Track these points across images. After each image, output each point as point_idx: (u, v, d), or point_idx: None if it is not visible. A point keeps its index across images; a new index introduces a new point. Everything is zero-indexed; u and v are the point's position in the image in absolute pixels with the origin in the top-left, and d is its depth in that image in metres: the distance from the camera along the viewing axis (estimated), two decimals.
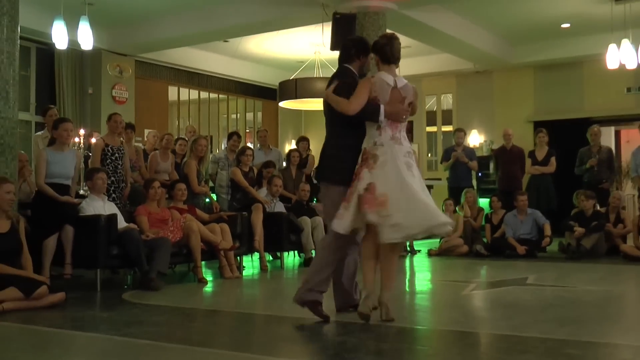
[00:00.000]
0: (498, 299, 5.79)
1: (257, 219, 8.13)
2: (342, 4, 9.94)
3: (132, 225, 6.75)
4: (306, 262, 8.61)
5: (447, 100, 15.74)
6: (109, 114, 8.07)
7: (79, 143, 8.37)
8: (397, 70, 4.82)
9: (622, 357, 3.75)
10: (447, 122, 15.52)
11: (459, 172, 10.91)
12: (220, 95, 15.67)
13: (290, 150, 10.39)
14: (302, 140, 10.57)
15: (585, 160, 10.16)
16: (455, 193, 10.66)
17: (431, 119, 15.74)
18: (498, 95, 14.84)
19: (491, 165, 12.36)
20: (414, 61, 13.46)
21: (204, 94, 15.30)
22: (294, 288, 7.22)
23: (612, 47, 10.82)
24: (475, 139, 14.82)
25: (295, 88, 11.64)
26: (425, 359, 3.81)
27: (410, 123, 4.91)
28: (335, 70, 4.98)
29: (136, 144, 9.31)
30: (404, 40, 12.10)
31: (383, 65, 4.72)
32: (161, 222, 7.12)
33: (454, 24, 11.92)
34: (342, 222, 4.46)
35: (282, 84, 12.22)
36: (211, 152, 12.99)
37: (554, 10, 11.71)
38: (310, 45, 13.15)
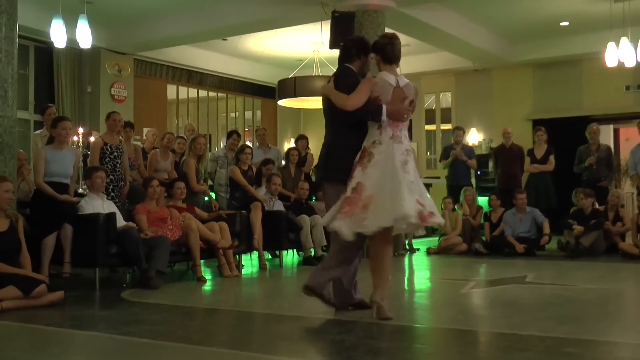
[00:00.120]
0: (497, 297, 5.79)
1: (256, 218, 8.13)
2: (341, 2, 9.94)
3: (131, 223, 6.74)
4: (305, 261, 8.61)
5: (446, 99, 15.75)
6: (108, 113, 8.05)
7: (78, 142, 8.36)
8: (397, 70, 4.82)
9: (621, 355, 3.76)
10: (446, 120, 15.53)
11: (458, 171, 10.92)
12: (219, 94, 15.67)
13: (289, 149, 10.39)
14: (301, 139, 10.56)
15: (584, 159, 10.17)
16: (454, 191, 10.66)
17: (430, 117, 15.75)
18: (497, 93, 14.85)
19: (490, 164, 12.37)
20: (413, 59, 13.45)
21: (202, 93, 15.30)
22: (293, 286, 7.27)
23: (611, 45, 10.82)
24: (474, 137, 14.83)
25: (294, 86, 11.64)
26: (424, 357, 3.81)
27: (410, 121, 4.93)
28: (335, 70, 4.98)
29: (135, 142, 9.31)
30: (402, 38, 12.08)
31: (384, 65, 4.73)
32: (160, 221, 7.12)
33: (453, 22, 11.92)
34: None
35: (281, 82, 12.23)
36: (210, 150, 12.98)
37: (553, 8, 11.71)
38: (309, 44, 13.15)
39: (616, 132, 14.74)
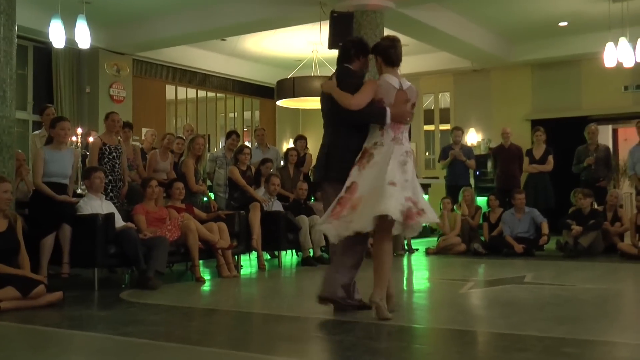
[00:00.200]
0: (496, 298, 5.80)
1: (255, 218, 8.13)
2: (339, 3, 9.94)
3: (129, 224, 6.74)
4: (304, 261, 8.61)
5: (445, 99, 15.76)
6: (107, 113, 8.04)
7: (77, 142, 8.37)
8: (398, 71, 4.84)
9: (619, 355, 3.76)
10: (444, 120, 15.54)
11: (457, 171, 10.92)
12: (217, 94, 15.67)
13: (288, 149, 10.39)
14: (300, 139, 10.56)
15: (583, 159, 10.17)
16: (453, 191, 10.67)
17: (429, 117, 15.75)
18: (496, 93, 14.86)
19: (489, 164, 12.37)
20: (412, 59, 13.42)
21: (201, 93, 15.30)
22: (292, 287, 7.28)
23: (609, 45, 10.84)
24: (472, 137, 14.83)
25: (293, 87, 11.64)
26: (423, 357, 3.81)
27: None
28: (334, 70, 4.96)
29: (134, 142, 9.30)
30: (401, 38, 12.15)
31: (387, 68, 4.75)
32: (159, 221, 7.11)
33: (452, 23, 11.93)
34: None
35: (279, 82, 12.23)
36: (209, 151, 12.98)
37: (551, 8, 11.72)
38: (308, 44, 13.15)
39: (615, 132, 14.75)
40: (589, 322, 4.57)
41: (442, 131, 15.47)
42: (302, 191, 9.15)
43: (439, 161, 11.50)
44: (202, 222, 7.33)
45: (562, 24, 12.63)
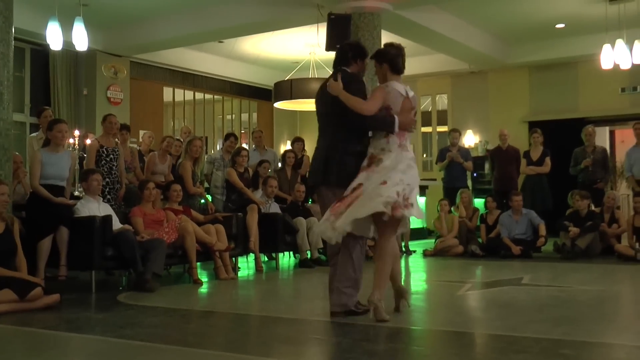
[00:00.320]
0: (493, 299, 5.80)
1: (252, 220, 8.12)
2: (337, 5, 9.95)
3: (127, 226, 6.73)
4: (301, 263, 8.61)
5: (442, 101, 15.77)
6: (104, 115, 8.06)
7: (74, 144, 8.35)
8: None
9: (616, 356, 3.76)
10: (442, 122, 15.55)
11: (454, 173, 10.92)
12: (215, 96, 15.67)
13: (286, 151, 10.39)
14: (298, 141, 10.56)
15: (580, 161, 10.19)
16: (450, 193, 10.68)
17: (426, 119, 15.76)
18: (493, 95, 14.88)
19: (486, 166, 12.38)
20: (409, 61, 13.11)
21: (199, 95, 15.29)
22: (290, 289, 7.27)
23: (606, 47, 10.86)
24: (470, 139, 14.84)
25: (290, 89, 11.64)
26: (421, 359, 3.81)
27: None
28: (332, 72, 4.94)
29: (131, 145, 9.30)
30: (398, 40, 12.15)
31: (392, 75, 4.78)
32: (156, 223, 7.11)
33: (449, 25, 11.94)
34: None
35: (277, 84, 12.23)
36: (206, 153, 12.97)
37: (548, 10, 11.74)
38: (305, 46, 13.15)
39: (612, 134, 14.77)
40: (586, 323, 4.57)
41: (440, 133, 15.48)
42: (300, 193, 9.15)
43: (436, 163, 11.51)
44: (200, 224, 7.32)
45: (559, 26, 12.66)
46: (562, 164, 10.61)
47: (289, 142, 14.26)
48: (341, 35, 9.44)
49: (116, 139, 7.97)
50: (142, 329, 4.53)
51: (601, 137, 12.94)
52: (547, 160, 10.52)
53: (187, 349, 3.94)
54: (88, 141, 8.32)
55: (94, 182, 6.78)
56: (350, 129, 4.70)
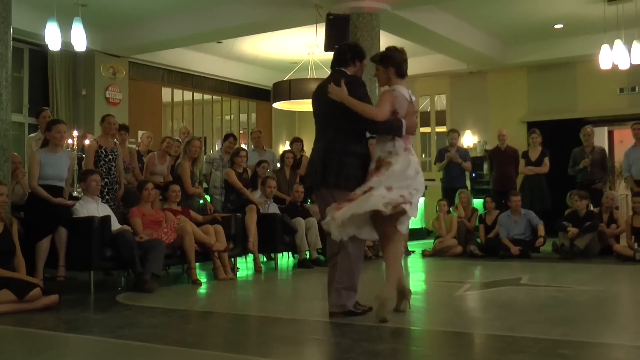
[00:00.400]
0: (492, 300, 5.80)
1: (251, 220, 8.12)
2: (335, 5, 9.95)
3: (125, 227, 6.73)
4: (300, 264, 8.61)
5: (441, 101, 15.77)
6: (103, 116, 8.06)
7: (73, 145, 8.35)
8: None
9: (615, 356, 3.77)
10: (440, 122, 15.55)
11: (453, 173, 10.93)
12: (214, 97, 15.67)
13: (285, 152, 10.39)
14: (296, 141, 10.56)
15: (579, 161, 10.19)
16: (449, 194, 10.68)
17: (425, 119, 15.76)
18: (492, 95, 14.88)
19: (485, 166, 12.38)
20: (408, 62, 13.46)
21: (197, 95, 15.29)
22: (289, 289, 7.27)
23: (605, 47, 10.87)
24: (469, 139, 14.85)
25: (289, 89, 11.64)
26: (420, 359, 3.81)
27: None
28: (331, 73, 4.93)
29: (130, 145, 9.30)
30: (397, 41, 12.19)
31: (397, 79, 4.83)
32: (155, 224, 7.11)
33: (448, 25, 11.95)
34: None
35: (276, 85, 12.22)
36: (205, 153, 12.97)
37: (547, 11, 11.75)
38: (304, 46, 13.15)
39: (610, 134, 14.79)
40: (585, 323, 4.58)
41: (438, 133, 15.48)
42: (299, 193, 9.15)
43: (435, 163, 11.52)
44: (199, 224, 7.32)
45: (557, 26, 12.66)
46: (560, 164, 10.62)
47: (287, 143, 14.26)
48: (340, 35, 9.45)
49: (115, 140, 7.97)
50: (141, 330, 4.53)
51: (600, 137, 12.96)
52: (546, 160, 10.53)
53: (186, 349, 3.94)
54: (87, 142, 8.32)
55: (93, 182, 6.78)
56: (349, 130, 4.71)
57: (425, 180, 13.78)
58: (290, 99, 11.75)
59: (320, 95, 4.90)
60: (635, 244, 8.69)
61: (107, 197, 7.41)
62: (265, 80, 15.16)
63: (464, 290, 6.29)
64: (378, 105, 4.67)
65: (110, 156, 7.58)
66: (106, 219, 6.51)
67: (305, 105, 12.12)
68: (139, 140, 11.06)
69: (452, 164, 10.85)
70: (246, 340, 4.40)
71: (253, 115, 16.63)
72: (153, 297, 5.98)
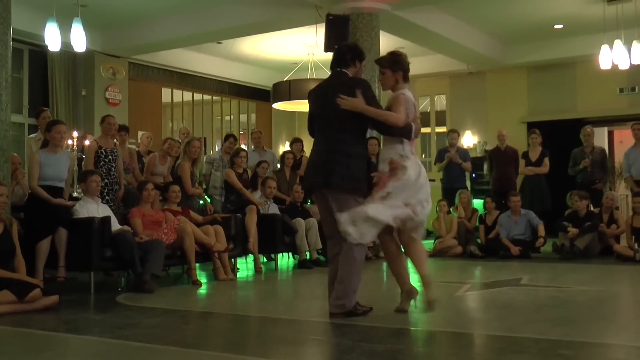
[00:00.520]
0: (492, 300, 5.80)
1: (251, 221, 8.12)
2: (335, 6, 9.95)
3: (125, 227, 6.73)
4: (300, 264, 8.61)
5: (441, 101, 15.78)
6: (103, 116, 8.05)
7: (72, 145, 8.35)
8: None
9: (615, 356, 3.77)
10: (440, 123, 15.55)
11: (453, 173, 10.93)
12: (213, 97, 15.67)
13: (285, 152, 10.38)
14: (296, 142, 10.55)
15: (579, 161, 10.19)
16: (449, 194, 10.68)
17: (425, 120, 15.73)
18: (491, 96, 14.88)
19: (485, 166, 12.38)
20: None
21: (197, 96, 15.29)
22: (289, 289, 7.27)
23: (604, 47, 10.86)
24: (468, 139, 14.85)
25: (289, 89, 11.64)
26: (420, 359, 3.82)
27: None
28: (332, 74, 4.92)
29: (130, 146, 9.29)
30: (397, 41, 12.20)
31: (404, 84, 4.88)
32: (155, 224, 7.11)
33: (447, 25, 11.95)
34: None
35: (275, 85, 12.22)
36: (205, 154, 12.97)
37: (546, 11, 11.75)
38: (303, 47, 13.15)
39: (610, 135, 14.79)
40: (585, 324, 4.58)
41: (438, 134, 15.48)
42: (299, 194, 9.14)
43: (435, 164, 11.52)
44: (199, 225, 7.32)
45: (557, 26, 12.66)
46: (560, 164, 10.62)
47: (287, 143, 14.25)
48: (339, 36, 9.45)
49: (115, 140, 7.97)
50: (141, 330, 4.53)
51: (600, 137, 12.96)
52: (546, 160, 10.54)
53: (186, 350, 3.94)
54: (87, 142, 8.32)
55: (93, 183, 6.78)
56: (352, 131, 4.72)
57: None
58: (290, 99, 11.75)
59: (321, 96, 4.88)
60: (636, 244, 8.69)
61: (107, 197, 7.40)
62: (265, 80, 15.16)
63: (464, 290, 6.29)
64: (395, 111, 4.70)
65: (110, 157, 7.58)
66: (106, 220, 6.51)
67: (305, 106, 12.05)
68: (139, 140, 11.06)
69: (452, 165, 10.86)
70: (246, 340, 4.40)
71: (253, 116, 16.63)
72: (153, 297, 5.97)
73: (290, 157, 9.90)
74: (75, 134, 8.67)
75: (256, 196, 8.60)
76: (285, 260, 9.76)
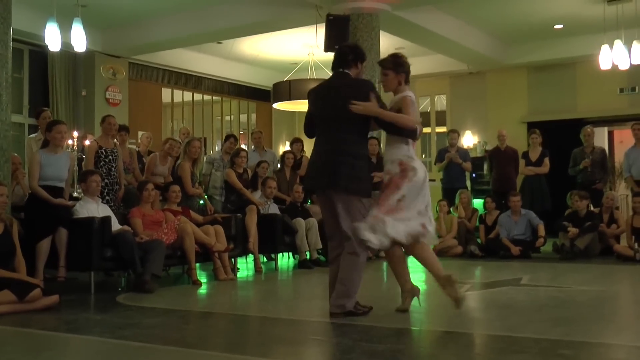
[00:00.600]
0: (492, 300, 5.80)
1: (251, 221, 8.12)
2: (335, 6, 9.96)
3: (126, 227, 6.73)
4: (300, 264, 8.61)
5: (441, 101, 15.78)
6: (103, 116, 8.05)
7: (73, 145, 8.35)
8: None
9: (615, 356, 3.77)
10: (440, 123, 15.55)
11: (453, 173, 10.93)
12: (214, 97, 15.66)
13: (285, 152, 10.38)
14: (296, 142, 10.54)
15: (579, 161, 10.19)
16: (449, 194, 10.68)
17: (425, 120, 15.72)
18: (491, 96, 14.88)
19: (485, 166, 12.39)
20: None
21: (197, 96, 15.29)
22: (289, 289, 7.27)
23: (604, 47, 10.86)
24: (469, 139, 14.85)
25: (289, 89, 11.64)
26: (420, 359, 3.81)
27: None
28: (334, 74, 4.92)
29: (130, 146, 9.29)
30: (397, 41, 12.19)
31: (405, 86, 4.91)
32: (155, 224, 7.11)
33: (447, 25, 11.95)
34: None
35: (275, 85, 12.23)
36: (205, 154, 12.97)
37: (546, 11, 11.75)
38: (303, 47, 13.15)
39: (610, 135, 14.79)
40: (585, 323, 4.58)
41: (439, 134, 15.47)
42: (299, 194, 9.14)
43: (435, 164, 11.52)
44: (199, 225, 7.32)
45: (557, 26, 12.66)
46: (560, 164, 10.62)
47: (287, 143, 14.25)
48: (340, 36, 9.45)
49: (115, 140, 7.97)
50: (141, 330, 4.53)
51: (600, 137, 12.96)
52: (546, 160, 10.54)
53: (186, 349, 3.94)
54: (87, 142, 8.32)
55: (93, 183, 6.78)
56: (358, 132, 4.74)
57: None
58: (290, 99, 11.76)
59: (323, 97, 4.86)
60: (636, 244, 8.69)
61: (107, 197, 7.41)
62: (265, 80, 15.16)
63: (465, 290, 6.26)
64: (406, 113, 4.71)
65: (110, 157, 7.58)
66: (106, 220, 6.51)
67: (305, 106, 12.08)
68: (139, 140, 11.06)
69: (452, 165, 10.86)
70: (246, 340, 4.40)
71: (253, 116, 16.63)
72: (153, 297, 5.97)
73: (290, 157, 9.90)
74: (75, 134, 8.67)
75: (256, 196, 8.60)
76: (285, 260, 9.76)
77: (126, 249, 6.38)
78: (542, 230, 9.53)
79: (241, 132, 16.40)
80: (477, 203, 11.32)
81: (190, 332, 4.63)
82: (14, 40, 7.01)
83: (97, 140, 7.79)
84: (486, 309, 5.51)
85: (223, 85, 15.55)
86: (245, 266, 8.71)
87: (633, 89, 13.47)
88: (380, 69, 5.01)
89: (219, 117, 16.08)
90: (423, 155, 15.79)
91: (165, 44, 12.55)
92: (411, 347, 4.16)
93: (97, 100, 12.62)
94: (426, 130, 15.76)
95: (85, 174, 6.96)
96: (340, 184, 4.66)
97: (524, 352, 3.69)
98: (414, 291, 4.96)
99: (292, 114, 15.85)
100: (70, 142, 8.17)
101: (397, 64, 4.90)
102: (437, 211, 10.12)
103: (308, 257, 8.64)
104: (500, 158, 10.86)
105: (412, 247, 4.87)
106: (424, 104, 15.72)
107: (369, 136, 4.96)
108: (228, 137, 9.58)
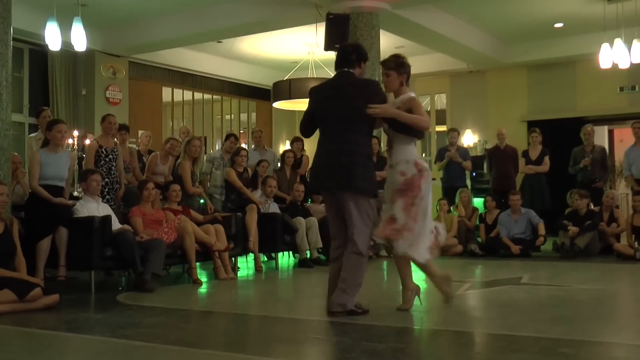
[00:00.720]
0: (492, 299, 5.81)
1: (252, 220, 8.12)
2: (335, 5, 9.96)
3: (126, 226, 6.73)
4: (301, 263, 8.61)
5: (441, 100, 15.78)
6: (103, 115, 8.06)
7: (73, 144, 8.36)
8: None
9: (615, 355, 3.77)
10: (440, 122, 15.55)
11: (453, 172, 10.93)
12: (214, 96, 15.67)
13: (285, 151, 10.38)
14: (297, 141, 10.54)
15: (579, 160, 10.19)
16: (449, 193, 10.68)
17: None
18: (491, 95, 14.88)
19: (485, 165, 12.39)
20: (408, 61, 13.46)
21: (197, 95, 15.29)
22: (289, 288, 7.27)
23: (604, 46, 10.87)
24: (469, 138, 14.85)
25: (289, 88, 11.64)
26: (421, 359, 3.81)
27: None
28: (337, 74, 4.90)
29: (130, 145, 9.29)
30: (397, 40, 12.18)
31: (406, 87, 4.96)
32: (155, 224, 7.11)
33: (447, 24, 11.95)
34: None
35: (276, 84, 12.22)
36: (205, 153, 12.97)
37: (546, 10, 11.75)
38: (303, 46, 13.16)
39: (610, 133, 14.79)
40: (585, 322, 4.58)
41: (438, 132, 15.47)
42: (299, 193, 9.15)
43: (435, 163, 11.52)
44: (199, 224, 7.32)
45: (557, 25, 12.66)
46: (561, 163, 10.62)
47: (288, 142, 14.26)
48: (340, 35, 9.45)
49: (115, 139, 7.97)
50: (142, 329, 4.53)
51: (600, 136, 12.96)
52: (546, 159, 10.54)
53: (187, 349, 3.94)
54: (87, 141, 8.33)
55: (93, 182, 6.78)
56: (366, 132, 4.77)
57: None
58: (290, 98, 11.75)
59: (328, 97, 4.82)
60: (636, 243, 8.69)
61: (107, 196, 7.41)
62: (265, 79, 15.16)
63: (465, 289, 6.28)
64: (418, 114, 4.76)
65: (110, 156, 7.58)
66: (107, 219, 6.51)
67: (305, 105, 12.08)
68: (139, 140, 11.06)
69: (452, 163, 10.86)
70: (247, 339, 4.40)
71: (253, 115, 16.64)
72: (153, 296, 5.97)
73: (290, 156, 9.90)
74: (75, 133, 8.67)
75: (257, 195, 8.60)
76: (285, 259, 9.77)
77: (126, 248, 6.38)
78: (542, 229, 9.53)
79: (241, 131, 16.40)
80: (477, 202, 11.32)
81: (191, 331, 4.63)
82: (14, 39, 7.01)
83: (98, 140, 7.79)
84: (486, 307, 5.51)
85: (223, 84, 15.55)
86: (245, 265, 8.71)
87: (633, 88, 13.48)
88: (380, 68, 5.02)
89: (219, 116, 16.08)
90: (423, 154, 15.79)
91: (166, 43, 12.56)
92: (411, 346, 4.16)
93: (97, 99, 12.62)
94: None
95: (86, 173, 6.96)
96: (355, 185, 4.65)
97: (524, 350, 3.69)
98: (416, 290, 4.99)
99: (292, 113, 15.85)
100: (70, 141, 8.17)
101: (399, 65, 4.92)
102: (437, 210, 10.12)
103: (308, 256, 8.64)
104: (500, 157, 10.86)
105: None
106: (424, 103, 15.70)
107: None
108: (228, 136, 9.58)
